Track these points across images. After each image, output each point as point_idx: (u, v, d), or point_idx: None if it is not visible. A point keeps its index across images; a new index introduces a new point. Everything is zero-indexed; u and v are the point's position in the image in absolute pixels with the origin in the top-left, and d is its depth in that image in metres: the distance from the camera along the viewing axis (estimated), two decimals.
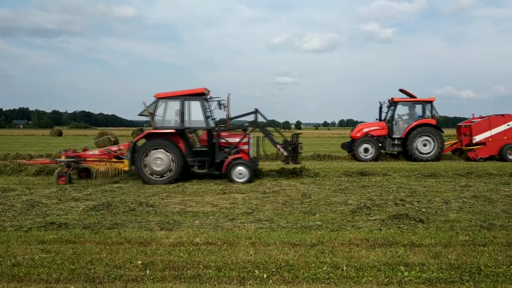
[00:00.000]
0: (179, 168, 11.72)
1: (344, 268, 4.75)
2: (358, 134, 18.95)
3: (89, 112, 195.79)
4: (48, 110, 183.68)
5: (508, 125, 18.29)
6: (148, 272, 4.69)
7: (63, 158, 12.27)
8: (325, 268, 4.75)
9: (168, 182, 11.61)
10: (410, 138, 17.99)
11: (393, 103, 19.13)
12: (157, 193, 9.92)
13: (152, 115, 12.09)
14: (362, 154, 18.27)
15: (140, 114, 12.68)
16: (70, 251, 5.40)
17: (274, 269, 4.74)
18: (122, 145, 12.83)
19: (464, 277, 4.51)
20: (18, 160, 14.87)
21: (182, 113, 11.96)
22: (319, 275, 4.58)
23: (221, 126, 13.09)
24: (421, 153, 18.07)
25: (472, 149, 18.29)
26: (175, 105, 12.16)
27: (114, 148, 12.97)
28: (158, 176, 11.73)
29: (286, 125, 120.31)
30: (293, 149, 12.80)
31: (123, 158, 12.44)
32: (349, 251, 5.37)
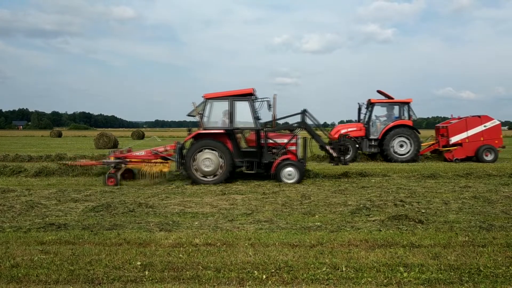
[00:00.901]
0: (228, 168, 11.73)
1: (344, 269, 4.75)
2: (336, 135, 19.12)
3: (88, 113, 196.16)
4: (48, 111, 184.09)
5: (485, 126, 18.42)
6: (147, 273, 4.69)
7: (112, 159, 12.28)
8: (324, 269, 4.75)
9: (217, 182, 11.62)
10: (387, 139, 18.19)
11: (370, 105, 19.24)
12: (156, 194, 9.91)
13: (201, 115, 12.10)
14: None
15: (189, 115, 12.74)
16: (69, 252, 5.39)
17: (273, 270, 4.74)
18: (169, 146, 12.82)
19: (463, 278, 4.51)
20: (65, 162, 14.65)
21: (231, 114, 11.98)
22: (318, 276, 4.58)
23: (268, 127, 13.00)
24: (397, 154, 18.24)
25: (449, 150, 18.37)
26: (223, 105, 12.20)
27: (161, 149, 12.89)
28: (208, 177, 11.76)
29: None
30: (344, 150, 12.74)
31: (169, 159, 12.44)
32: (348, 252, 5.37)
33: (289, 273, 4.65)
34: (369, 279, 4.48)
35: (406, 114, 18.79)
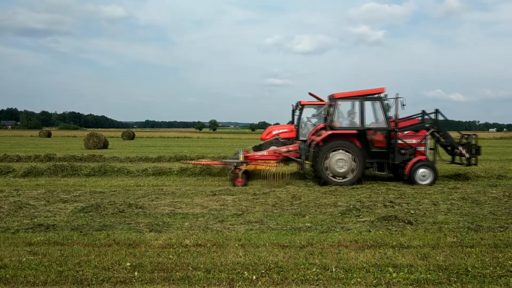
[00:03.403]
0: (361, 169, 11.62)
1: (333, 270, 4.77)
2: (268, 137, 19.35)
3: (78, 113, 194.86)
4: (37, 111, 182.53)
5: None
6: (136, 274, 4.66)
7: (241, 159, 12.21)
8: (314, 270, 4.77)
9: (350, 183, 11.47)
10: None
11: (298, 106, 19.41)
12: (146, 194, 9.87)
13: (332, 115, 12.05)
14: None
15: (315, 115, 12.63)
16: (58, 253, 5.35)
17: (263, 271, 4.74)
18: (292, 146, 12.75)
19: (451, 278, 4.55)
20: (187, 161, 14.42)
21: (362, 114, 11.89)
22: (308, 276, 4.59)
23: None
24: None
25: None
26: (354, 105, 12.16)
27: (284, 149, 12.82)
28: (340, 178, 11.64)
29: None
30: (475, 150, 12.49)
31: (293, 160, 12.33)
32: (338, 253, 5.39)
33: (279, 274, 4.66)
34: (359, 280, 4.51)
35: None
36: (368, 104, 12.03)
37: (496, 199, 9.25)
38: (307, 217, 7.52)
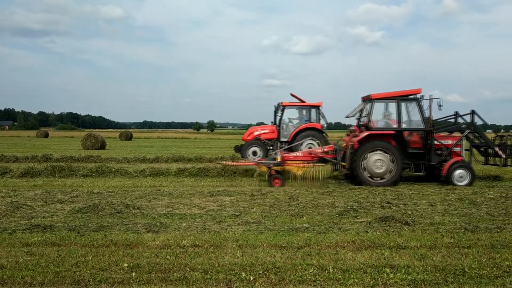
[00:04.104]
0: (399, 169, 11.65)
1: (331, 270, 4.77)
2: (249, 138, 19.41)
3: (76, 113, 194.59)
4: (35, 111, 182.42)
5: None
6: (134, 274, 4.66)
7: (278, 160, 12.13)
8: (311, 270, 4.78)
9: (388, 184, 11.49)
10: (296, 142, 18.37)
11: (280, 107, 19.45)
12: (144, 195, 9.85)
13: (369, 116, 12.05)
14: (250, 157, 18.40)
15: (348, 116, 12.67)
16: (55, 254, 5.34)
17: (260, 271, 4.74)
18: (327, 147, 12.75)
19: (448, 279, 4.57)
20: (223, 162, 14.32)
21: (399, 114, 11.94)
22: (305, 277, 4.60)
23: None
24: None
25: None
26: (390, 106, 12.18)
27: (319, 150, 12.81)
28: (378, 178, 11.65)
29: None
30: (510, 151, 12.49)
31: (329, 160, 12.33)
32: (335, 253, 5.40)
33: (276, 275, 4.66)
34: (356, 280, 4.52)
35: (316, 118, 19.09)
36: (405, 105, 12.15)
37: (493, 200, 9.28)
38: (304, 217, 7.53)
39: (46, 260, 5.10)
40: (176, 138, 65.53)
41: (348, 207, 8.25)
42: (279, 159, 12.21)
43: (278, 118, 19.48)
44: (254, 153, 18.53)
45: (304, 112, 19.46)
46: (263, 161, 12.66)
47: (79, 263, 5.01)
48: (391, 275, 4.64)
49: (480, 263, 5.04)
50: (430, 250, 5.58)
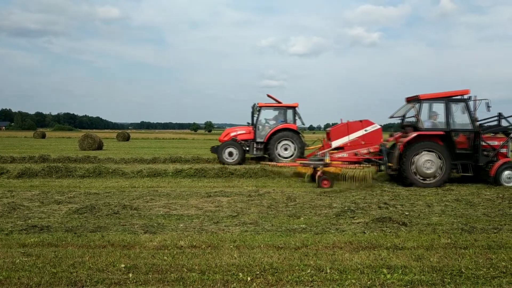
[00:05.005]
0: (449, 170, 11.68)
1: (328, 271, 4.78)
2: (225, 138, 19.41)
3: (73, 114, 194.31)
4: (32, 111, 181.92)
5: (366, 130, 18.49)
6: (131, 275, 4.65)
7: (328, 161, 12.10)
8: (309, 271, 4.78)
9: (438, 185, 11.51)
10: (271, 143, 18.47)
11: (256, 108, 19.47)
12: (141, 196, 9.84)
13: (417, 116, 12.06)
14: (226, 158, 18.43)
15: (392, 117, 12.74)
16: (52, 255, 5.33)
17: (258, 272, 4.75)
18: (373, 148, 12.74)
19: (445, 279, 4.58)
20: (266, 163, 14.22)
21: (448, 115, 11.97)
22: (303, 278, 4.60)
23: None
24: (282, 156, 18.50)
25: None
26: (438, 106, 12.21)
27: (364, 151, 12.77)
28: (427, 179, 11.67)
29: None
30: None
31: (375, 162, 12.30)
32: (333, 254, 5.41)
33: (274, 275, 4.66)
34: (353, 281, 4.52)
35: (292, 118, 19.14)
36: (453, 106, 12.17)
37: (489, 200, 9.31)
38: (302, 218, 7.53)
39: (43, 261, 5.08)
40: (173, 138, 65.43)
41: (345, 208, 8.26)
42: (327, 160, 12.17)
43: (255, 119, 19.52)
44: (230, 154, 18.54)
45: (279, 113, 19.52)
46: (309, 162, 12.55)
47: (76, 264, 4.99)
48: (388, 276, 4.65)
49: (477, 264, 5.05)
50: (427, 250, 5.59)
